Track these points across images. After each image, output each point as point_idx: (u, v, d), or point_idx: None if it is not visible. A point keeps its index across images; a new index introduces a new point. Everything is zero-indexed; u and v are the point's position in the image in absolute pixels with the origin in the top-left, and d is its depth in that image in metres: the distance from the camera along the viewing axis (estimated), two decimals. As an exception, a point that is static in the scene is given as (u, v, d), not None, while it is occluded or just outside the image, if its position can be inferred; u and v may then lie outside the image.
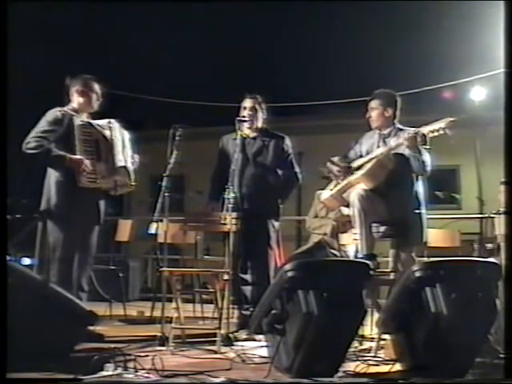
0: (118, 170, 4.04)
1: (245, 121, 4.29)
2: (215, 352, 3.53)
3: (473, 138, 9.82)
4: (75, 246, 3.84)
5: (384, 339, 3.40)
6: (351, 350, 3.12)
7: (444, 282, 2.90)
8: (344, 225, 4.66)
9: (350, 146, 4.21)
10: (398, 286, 3.16)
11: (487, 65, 7.77)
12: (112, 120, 4.12)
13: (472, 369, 2.92)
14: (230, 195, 3.98)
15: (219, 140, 4.54)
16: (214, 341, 3.61)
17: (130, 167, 4.12)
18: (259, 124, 4.39)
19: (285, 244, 5.25)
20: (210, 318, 4.70)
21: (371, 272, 3.16)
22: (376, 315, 3.63)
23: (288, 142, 4.43)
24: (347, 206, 3.95)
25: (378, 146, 3.98)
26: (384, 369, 3.10)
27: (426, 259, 3.99)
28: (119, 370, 2.79)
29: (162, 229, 4.44)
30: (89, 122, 4.02)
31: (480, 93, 10.82)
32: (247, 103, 4.37)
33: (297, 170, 4.43)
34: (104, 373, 2.75)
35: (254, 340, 3.80)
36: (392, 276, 3.80)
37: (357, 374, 2.96)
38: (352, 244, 4.42)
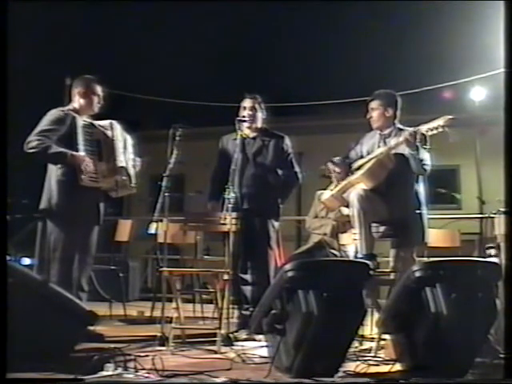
0: (119, 170, 4.05)
1: (244, 121, 4.29)
2: (215, 352, 3.52)
3: (473, 137, 9.83)
4: (75, 246, 3.84)
5: (384, 339, 3.40)
6: (351, 349, 3.11)
7: (444, 282, 2.89)
8: (344, 225, 4.67)
9: (351, 147, 4.21)
10: (398, 285, 3.16)
11: (487, 65, 7.77)
12: (113, 121, 4.13)
13: (472, 369, 2.91)
14: (230, 195, 3.98)
15: (219, 140, 4.54)
16: (214, 341, 3.61)
17: (131, 169, 4.13)
18: (259, 124, 4.39)
19: (285, 244, 5.25)
20: (210, 318, 4.70)
21: (371, 272, 3.16)
22: (376, 315, 3.63)
23: (288, 142, 4.43)
24: (347, 206, 3.96)
25: (379, 147, 3.98)
26: (384, 369, 3.10)
27: (426, 259, 3.99)
28: (119, 370, 2.79)
29: (161, 229, 4.44)
30: (91, 123, 4.02)
31: (480, 93, 10.84)
32: (247, 103, 4.37)
33: (297, 169, 4.42)
34: (104, 373, 2.75)
35: (254, 340, 3.80)
36: (392, 276, 3.80)
37: (357, 374, 2.96)
38: (352, 244, 4.42)
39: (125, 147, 4.14)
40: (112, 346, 3.45)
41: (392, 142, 3.89)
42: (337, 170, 4.07)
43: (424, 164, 3.75)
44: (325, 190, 4.30)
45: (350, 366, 3.04)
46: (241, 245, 4.04)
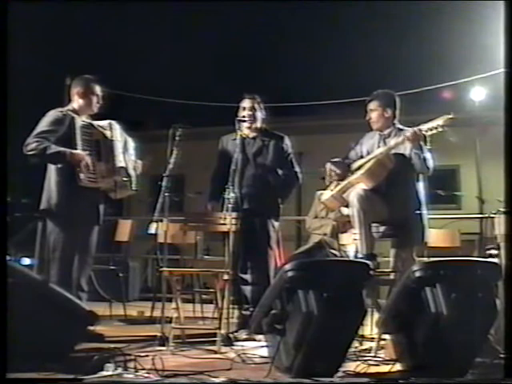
0: (118, 171, 4.04)
1: (244, 121, 4.29)
2: (215, 352, 3.53)
3: (473, 137, 9.84)
4: (75, 246, 3.84)
5: (384, 339, 3.40)
6: (351, 349, 3.11)
7: (444, 282, 2.89)
8: (344, 225, 4.66)
9: (351, 147, 4.20)
10: (398, 286, 3.16)
11: (487, 65, 7.77)
12: (113, 121, 4.13)
13: (472, 369, 2.91)
14: (230, 195, 3.98)
15: (219, 140, 4.54)
16: (214, 341, 3.61)
17: (132, 171, 4.12)
18: (258, 124, 4.39)
19: (285, 244, 5.25)
20: (210, 318, 4.70)
21: (371, 272, 3.16)
22: (376, 315, 3.63)
23: (288, 142, 4.43)
24: (347, 206, 3.95)
25: (379, 147, 3.98)
26: (384, 369, 3.10)
27: (426, 259, 3.99)
28: (119, 370, 2.79)
29: (161, 229, 4.44)
30: (90, 123, 4.02)
31: (480, 93, 10.85)
32: (246, 103, 4.37)
33: (297, 169, 4.42)
34: (104, 373, 2.75)
35: (254, 340, 3.80)
36: (392, 276, 3.80)
37: (357, 374, 2.96)
38: (352, 244, 4.42)
39: (125, 148, 4.14)
40: (112, 345, 3.46)
41: (392, 142, 3.90)
42: (336, 170, 4.07)
43: (427, 162, 3.75)
44: (325, 190, 4.30)
45: (350, 366, 3.04)
46: (241, 245, 4.04)
